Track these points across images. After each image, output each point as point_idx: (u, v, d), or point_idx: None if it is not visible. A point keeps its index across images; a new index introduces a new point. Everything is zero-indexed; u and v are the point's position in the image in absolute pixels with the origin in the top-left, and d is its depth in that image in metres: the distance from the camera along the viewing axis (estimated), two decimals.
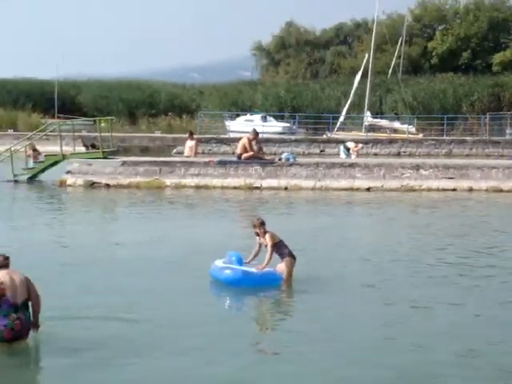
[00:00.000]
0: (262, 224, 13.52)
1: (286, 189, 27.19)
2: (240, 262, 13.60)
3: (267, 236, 13.35)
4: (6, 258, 10.33)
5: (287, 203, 25.36)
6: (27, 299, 9.88)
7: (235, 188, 27.35)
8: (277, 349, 9.83)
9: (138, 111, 57.22)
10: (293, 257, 13.65)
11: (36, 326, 9.86)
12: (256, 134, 29.50)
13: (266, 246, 13.33)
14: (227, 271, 13.41)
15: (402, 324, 11.23)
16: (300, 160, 30.66)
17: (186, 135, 35.14)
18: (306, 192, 27.03)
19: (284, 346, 9.87)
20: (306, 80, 71.12)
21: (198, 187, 27.49)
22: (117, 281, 13.78)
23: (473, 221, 21.21)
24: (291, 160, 29.47)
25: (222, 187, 27.41)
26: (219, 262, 13.66)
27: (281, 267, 13.62)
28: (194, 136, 35.25)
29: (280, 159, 29.55)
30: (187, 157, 31.56)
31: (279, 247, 13.64)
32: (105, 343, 9.94)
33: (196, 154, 32.85)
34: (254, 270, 13.46)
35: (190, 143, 32.48)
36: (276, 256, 13.45)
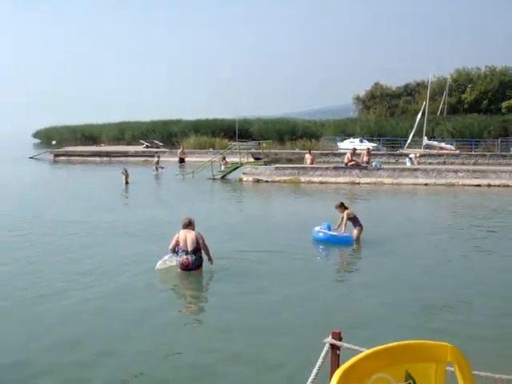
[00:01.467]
0: (341, 205, 17.01)
1: (374, 184, 33.83)
2: (329, 228, 16.98)
3: (344, 213, 16.83)
4: (189, 222, 13.29)
5: (374, 193, 31.16)
6: (196, 248, 12.97)
7: (344, 183, 34.02)
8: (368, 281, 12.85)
9: (285, 136, 68.76)
10: (361, 226, 16.93)
11: (211, 261, 13.13)
12: (355, 150, 37.73)
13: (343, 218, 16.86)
14: (320, 234, 16.89)
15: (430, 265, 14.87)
16: (383, 166, 37.05)
17: (307, 151, 42.75)
18: (386, 186, 33.45)
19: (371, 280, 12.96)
20: (386, 118, 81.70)
21: (321, 183, 34.37)
22: (268, 232, 18.80)
23: (491, 202, 27.48)
24: (378, 166, 36.07)
25: (336, 183, 34.04)
26: (317, 228, 17.16)
27: (354, 233, 16.96)
28: (312, 151, 42.82)
29: (371, 166, 36.09)
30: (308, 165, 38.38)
31: (353, 220, 17.02)
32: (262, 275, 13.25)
33: (313, 162, 39.36)
34: (336, 233, 16.83)
35: (308, 156, 39.86)
36: (351, 225, 17.02)
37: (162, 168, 39.53)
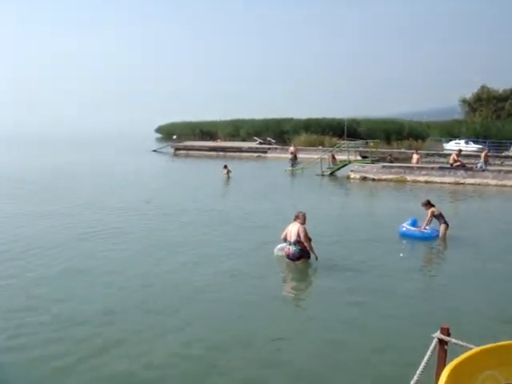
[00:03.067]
0: (426, 204, 17.09)
1: (479, 185, 32.65)
2: (413, 224, 17.12)
3: (428, 211, 16.86)
4: (298, 215, 13.67)
5: (479, 193, 30.27)
6: (297, 240, 13.30)
7: (448, 183, 33.32)
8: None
9: (391, 136, 68.14)
10: (446, 224, 16.88)
11: (314, 255, 13.35)
12: (460, 151, 36.88)
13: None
14: (404, 229, 17.11)
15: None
16: (488, 168, 35.43)
17: (413, 151, 42.24)
18: (492, 187, 32.28)
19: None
20: (492, 120, 78.59)
21: (426, 182, 33.69)
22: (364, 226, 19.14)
23: None
24: (483, 167, 34.96)
25: (441, 183, 33.43)
26: (405, 224, 17.32)
27: (440, 230, 16.91)
28: (419, 151, 42.31)
29: (476, 167, 35.11)
30: (414, 164, 37.88)
31: (438, 217, 16.93)
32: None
33: (419, 162, 38.80)
34: (417, 230, 16.91)
35: (415, 156, 39.43)
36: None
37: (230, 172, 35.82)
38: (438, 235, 16.83)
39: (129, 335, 8.98)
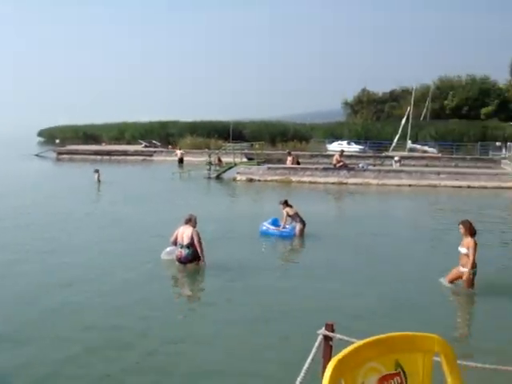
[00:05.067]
0: (283, 203, 17.52)
1: (361, 184, 33.89)
2: (274, 223, 17.60)
3: (284, 210, 17.35)
4: (188, 218, 13.54)
5: (361, 192, 31.40)
6: (190, 243, 13.23)
7: (332, 183, 34.27)
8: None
9: (276, 138, 68.11)
10: (302, 223, 17.38)
11: (202, 259, 13.34)
12: (342, 152, 38.30)
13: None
14: (264, 228, 17.57)
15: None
16: (370, 168, 37.34)
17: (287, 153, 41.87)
18: (372, 187, 33.70)
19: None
20: (373, 122, 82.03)
21: (310, 182, 34.59)
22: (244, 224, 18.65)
23: (468, 200, 28.26)
24: (365, 167, 36.49)
25: (324, 183, 34.28)
26: (265, 223, 17.70)
27: (296, 228, 17.43)
28: (293, 153, 42.70)
29: (358, 167, 36.59)
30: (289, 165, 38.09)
31: (293, 217, 17.44)
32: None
33: (294, 163, 38.79)
34: (276, 229, 17.39)
35: (289, 157, 39.70)
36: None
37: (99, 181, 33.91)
38: (295, 233, 17.42)
39: None
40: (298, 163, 39.57)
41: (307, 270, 13.78)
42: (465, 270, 11.40)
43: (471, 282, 11.42)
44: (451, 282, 11.74)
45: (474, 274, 11.41)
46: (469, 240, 11.33)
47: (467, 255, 11.30)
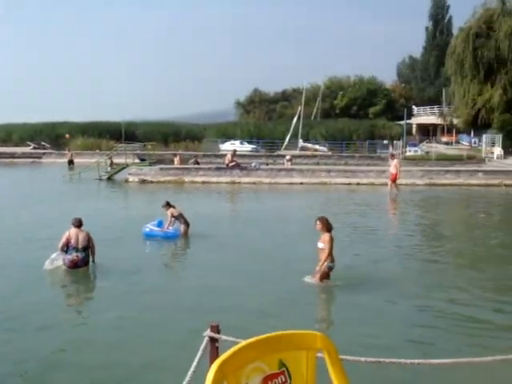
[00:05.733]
0: (166, 205, 17.26)
1: (254, 183, 34.18)
2: (159, 224, 17.29)
3: (168, 212, 17.13)
4: (79, 221, 13.28)
5: (254, 191, 31.81)
6: (86, 246, 13.10)
7: (225, 183, 34.33)
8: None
9: (169, 138, 68.80)
10: (187, 223, 17.30)
11: (93, 260, 13.34)
12: (235, 151, 38.72)
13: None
14: (148, 229, 17.21)
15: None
16: (262, 167, 37.98)
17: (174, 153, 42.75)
18: (265, 185, 34.06)
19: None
20: (265, 121, 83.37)
21: (203, 183, 34.46)
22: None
23: (359, 198, 28.87)
24: (257, 166, 37.02)
25: (217, 183, 34.35)
26: (149, 224, 17.33)
27: (181, 229, 17.29)
28: (179, 153, 43.89)
29: (251, 166, 37.01)
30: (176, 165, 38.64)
31: (178, 218, 17.26)
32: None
33: (181, 163, 39.64)
34: (160, 230, 17.10)
35: (176, 158, 40.54)
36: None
37: None
38: (179, 234, 17.30)
39: None
40: (198, 163, 39.78)
41: (192, 271, 13.78)
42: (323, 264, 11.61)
43: (324, 276, 11.61)
44: (321, 279, 11.81)
45: (331, 268, 11.66)
46: (325, 235, 11.57)
47: (324, 250, 11.55)
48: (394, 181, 30.59)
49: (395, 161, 31.14)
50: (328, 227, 11.73)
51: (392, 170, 30.79)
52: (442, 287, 12.33)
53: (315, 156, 55.00)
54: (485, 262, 15.40)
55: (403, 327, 9.75)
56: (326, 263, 11.60)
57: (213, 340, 4.78)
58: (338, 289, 11.85)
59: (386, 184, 31.59)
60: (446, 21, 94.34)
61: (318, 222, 11.80)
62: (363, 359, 5.01)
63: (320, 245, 11.66)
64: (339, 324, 9.57)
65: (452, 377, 7.18)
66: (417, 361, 5.29)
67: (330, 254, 11.60)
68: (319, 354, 3.99)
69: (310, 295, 11.61)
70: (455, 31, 64.25)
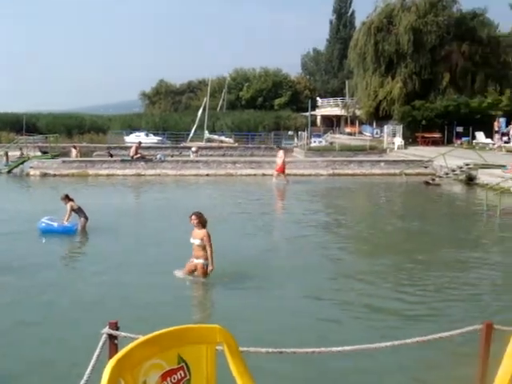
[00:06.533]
0: (65, 198, 16.86)
1: (159, 175, 34.07)
2: (54, 219, 16.80)
3: (67, 205, 16.68)
4: None
5: (159, 183, 31.62)
6: None
7: (131, 175, 34.04)
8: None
9: (73, 131, 66.89)
10: (86, 217, 16.94)
11: None
12: (140, 143, 38.12)
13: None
14: (44, 224, 16.67)
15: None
16: (168, 159, 37.80)
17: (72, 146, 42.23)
18: (171, 177, 33.76)
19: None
20: (171, 113, 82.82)
21: (108, 175, 33.86)
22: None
23: (262, 189, 29.21)
24: (162, 158, 36.83)
25: (123, 175, 33.95)
26: (44, 219, 16.79)
27: (79, 222, 16.89)
28: (77, 145, 43.72)
29: (156, 158, 36.76)
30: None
31: (77, 211, 16.88)
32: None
33: (78, 156, 39.89)
34: (56, 224, 16.59)
35: (74, 150, 41.02)
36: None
37: None
38: (77, 228, 16.92)
39: None
40: (111, 155, 38.92)
41: (91, 266, 13.49)
42: (199, 261, 11.49)
43: (206, 272, 11.53)
44: (189, 273, 11.74)
45: (207, 265, 11.55)
46: (202, 231, 11.45)
47: (200, 246, 11.41)
48: (281, 172, 31.27)
49: (281, 152, 31.76)
50: (203, 222, 11.56)
51: (278, 161, 31.44)
52: (341, 276, 12.66)
53: (221, 147, 55.19)
54: (384, 249, 15.94)
55: (301, 318, 9.84)
56: (202, 261, 11.47)
57: (111, 337, 4.68)
58: (233, 283, 11.84)
59: (291, 175, 32.05)
60: (349, 14, 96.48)
61: (194, 217, 11.55)
62: (264, 350, 5.04)
63: (196, 241, 11.47)
64: (238, 319, 9.45)
65: (353, 364, 7.40)
66: (317, 349, 5.37)
67: (204, 250, 11.45)
68: (219, 348, 3.99)
69: (203, 290, 11.63)
70: (358, 25, 65.56)
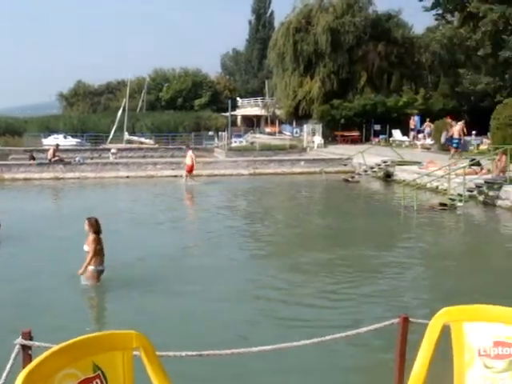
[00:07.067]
0: None
1: (78, 178, 33.39)
2: None
3: None
4: None
5: (78, 186, 31.34)
6: None
7: (48, 179, 33.12)
8: None
9: None
10: None
11: None
12: (57, 146, 37.15)
13: None
14: None
15: None
16: (87, 161, 37.20)
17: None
18: (91, 180, 33.28)
19: None
20: (89, 114, 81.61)
21: (25, 179, 32.91)
22: None
23: (180, 190, 28.99)
24: (81, 161, 36.02)
25: (40, 179, 32.96)
26: None
27: None
28: None
29: (75, 161, 35.90)
30: None
31: None
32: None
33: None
34: None
35: None
36: None
37: None
38: None
39: None
40: (33, 158, 37.60)
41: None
42: (90, 267, 11.20)
43: (96, 278, 11.28)
44: (92, 280, 11.41)
45: (101, 271, 11.33)
46: (90, 237, 11.15)
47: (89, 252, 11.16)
48: (190, 172, 31.27)
49: (190, 152, 31.77)
50: (96, 228, 11.19)
51: (188, 161, 31.37)
52: (258, 275, 12.75)
53: (141, 149, 54.70)
54: (303, 246, 16.13)
55: (218, 321, 9.78)
56: (91, 267, 11.17)
57: (25, 348, 4.55)
58: (146, 286, 11.69)
59: (212, 175, 32.00)
60: (268, 15, 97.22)
61: (87, 222, 11.25)
62: (184, 353, 5.00)
63: (85, 247, 11.19)
64: (154, 323, 9.32)
65: (274, 364, 7.43)
66: (237, 350, 5.37)
67: (95, 255, 11.11)
68: (136, 353, 3.94)
69: (115, 296, 11.38)
70: (277, 25, 66.12)
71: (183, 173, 31.63)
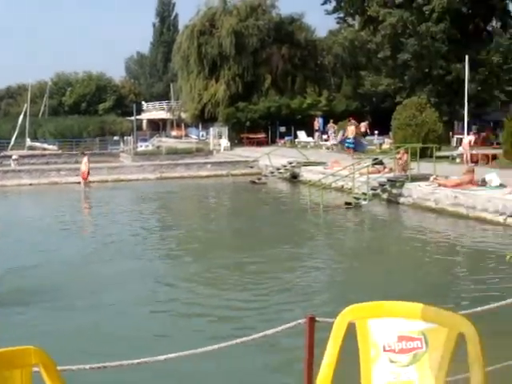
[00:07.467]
0: None
1: None
2: None
3: None
4: None
5: None
6: None
7: None
8: None
9: None
10: None
11: None
12: None
13: None
14: None
15: None
16: None
17: None
18: None
19: None
20: None
21: None
22: None
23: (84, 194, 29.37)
24: None
25: None
26: None
27: None
28: None
29: None
30: None
31: None
32: None
33: None
34: None
35: None
36: None
37: None
38: None
39: None
40: None
41: None
42: None
43: None
44: None
45: None
46: None
47: None
48: (85, 178, 31.20)
49: (85, 158, 31.65)
50: None
51: (83, 167, 31.34)
52: (164, 279, 12.70)
53: (44, 155, 52.95)
54: (212, 249, 16.08)
55: (126, 329, 9.69)
56: None
57: None
58: (42, 300, 11.33)
59: (118, 180, 31.53)
60: (172, 18, 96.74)
61: None
62: (88, 366, 4.81)
63: None
64: (56, 336, 9.00)
65: (191, 369, 7.35)
66: (145, 359, 5.21)
67: None
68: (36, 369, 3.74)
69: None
70: (181, 28, 65.79)
71: (80, 180, 31.31)
